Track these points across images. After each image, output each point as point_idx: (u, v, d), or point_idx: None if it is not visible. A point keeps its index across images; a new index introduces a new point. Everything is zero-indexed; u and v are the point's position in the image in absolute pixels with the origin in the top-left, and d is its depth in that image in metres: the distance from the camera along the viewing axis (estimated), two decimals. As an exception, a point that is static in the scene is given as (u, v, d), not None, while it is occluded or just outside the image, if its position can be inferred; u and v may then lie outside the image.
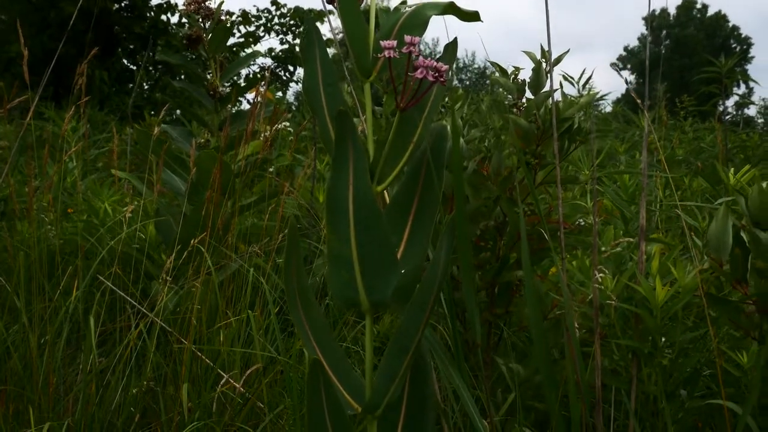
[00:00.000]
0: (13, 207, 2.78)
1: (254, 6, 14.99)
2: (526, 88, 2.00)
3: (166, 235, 2.54)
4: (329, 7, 1.34)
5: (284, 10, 14.44)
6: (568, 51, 1.96)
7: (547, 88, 1.96)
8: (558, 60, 1.95)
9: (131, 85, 13.36)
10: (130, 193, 3.17)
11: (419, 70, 1.12)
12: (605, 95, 5.66)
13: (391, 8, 1.32)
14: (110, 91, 12.42)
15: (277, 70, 14.52)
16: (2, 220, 2.96)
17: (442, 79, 1.13)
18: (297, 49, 14.45)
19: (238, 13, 14.25)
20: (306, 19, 1.27)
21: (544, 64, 1.94)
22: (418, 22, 1.22)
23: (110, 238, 2.55)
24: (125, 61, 14.08)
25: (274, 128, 2.77)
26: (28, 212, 2.28)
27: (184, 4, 2.72)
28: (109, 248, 2.35)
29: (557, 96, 2.01)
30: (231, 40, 2.76)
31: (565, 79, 5.44)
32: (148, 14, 14.11)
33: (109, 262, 2.35)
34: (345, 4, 1.22)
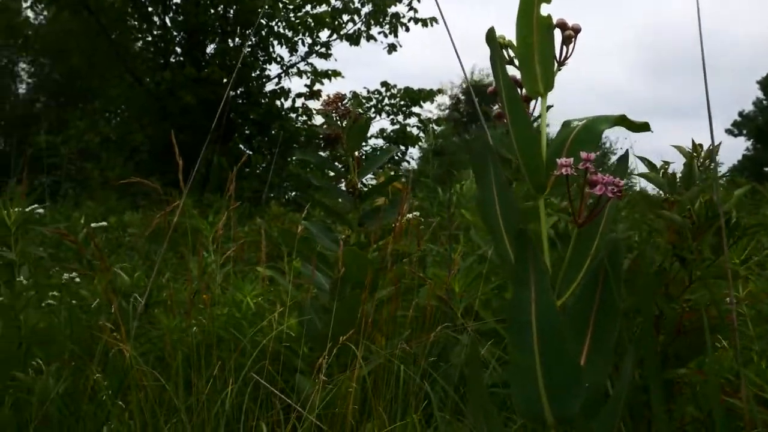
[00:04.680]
0: (159, 300, 2.91)
1: (365, 88, 15.26)
2: (677, 182, 1.98)
3: (310, 329, 2.59)
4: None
5: (394, 91, 14.69)
6: (720, 143, 1.94)
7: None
8: (715, 151, 1.93)
9: (247, 169, 13.71)
10: (269, 286, 3.26)
11: (598, 187, 1.13)
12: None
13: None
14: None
15: (390, 151, 14.72)
16: (148, 310, 3.09)
17: (619, 194, 1.14)
18: (408, 129, 14.64)
19: (349, 95, 14.59)
20: (478, 138, 1.30)
21: (695, 159, 1.92)
22: (591, 137, 1.23)
23: (253, 331, 2.62)
24: (242, 146, 14.52)
25: (406, 219, 2.82)
26: (187, 308, 2.37)
27: (321, 104, 2.81)
28: (258, 344, 2.41)
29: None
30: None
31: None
32: (262, 101, 14.57)
33: (256, 356, 2.40)
34: (516, 120, 1.25)
